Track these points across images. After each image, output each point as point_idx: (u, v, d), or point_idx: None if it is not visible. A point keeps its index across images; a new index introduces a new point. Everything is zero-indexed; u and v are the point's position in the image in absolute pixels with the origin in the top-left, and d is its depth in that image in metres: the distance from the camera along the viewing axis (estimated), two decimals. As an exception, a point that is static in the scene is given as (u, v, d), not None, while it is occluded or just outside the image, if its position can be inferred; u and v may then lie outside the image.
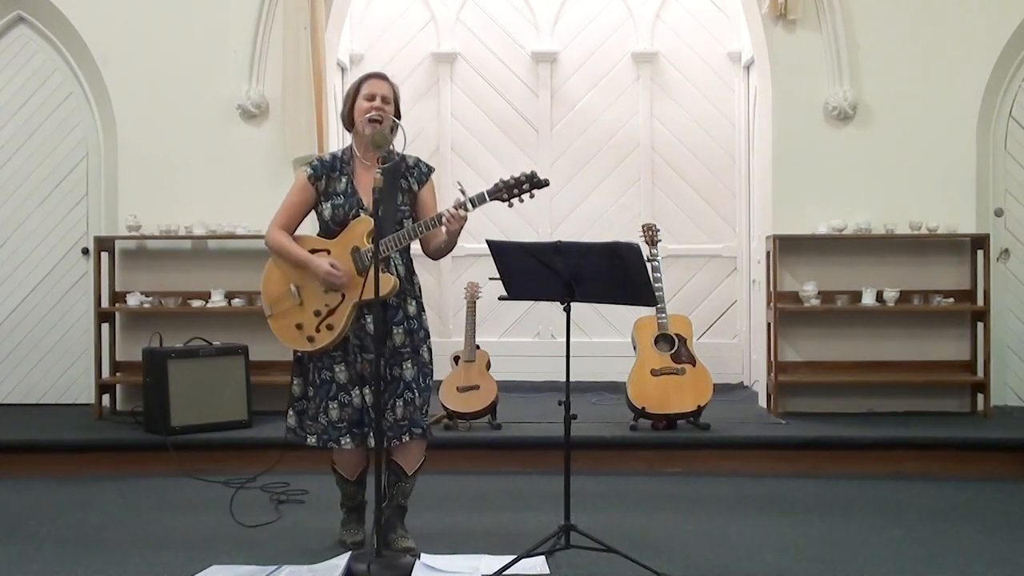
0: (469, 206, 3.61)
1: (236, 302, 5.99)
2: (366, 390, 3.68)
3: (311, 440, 3.80)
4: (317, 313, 3.69)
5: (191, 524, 4.22)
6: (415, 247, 3.82)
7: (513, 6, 7.41)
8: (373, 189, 3.51)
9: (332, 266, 3.66)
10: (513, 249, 3.73)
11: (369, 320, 3.65)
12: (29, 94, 6.40)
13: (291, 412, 3.88)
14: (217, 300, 5.97)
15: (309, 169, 3.80)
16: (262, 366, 5.83)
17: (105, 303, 6.05)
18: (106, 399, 6.03)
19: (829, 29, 5.95)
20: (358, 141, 3.81)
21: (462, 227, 3.66)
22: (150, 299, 6.01)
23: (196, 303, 5.99)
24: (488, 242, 3.73)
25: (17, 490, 4.87)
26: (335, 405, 3.73)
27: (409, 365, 3.73)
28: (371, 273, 3.52)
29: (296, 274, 3.74)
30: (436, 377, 5.14)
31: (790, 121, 6.03)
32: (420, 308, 3.83)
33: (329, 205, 3.75)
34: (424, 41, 7.39)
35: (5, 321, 6.43)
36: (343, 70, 7.04)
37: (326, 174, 3.78)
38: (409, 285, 3.79)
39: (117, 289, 6.13)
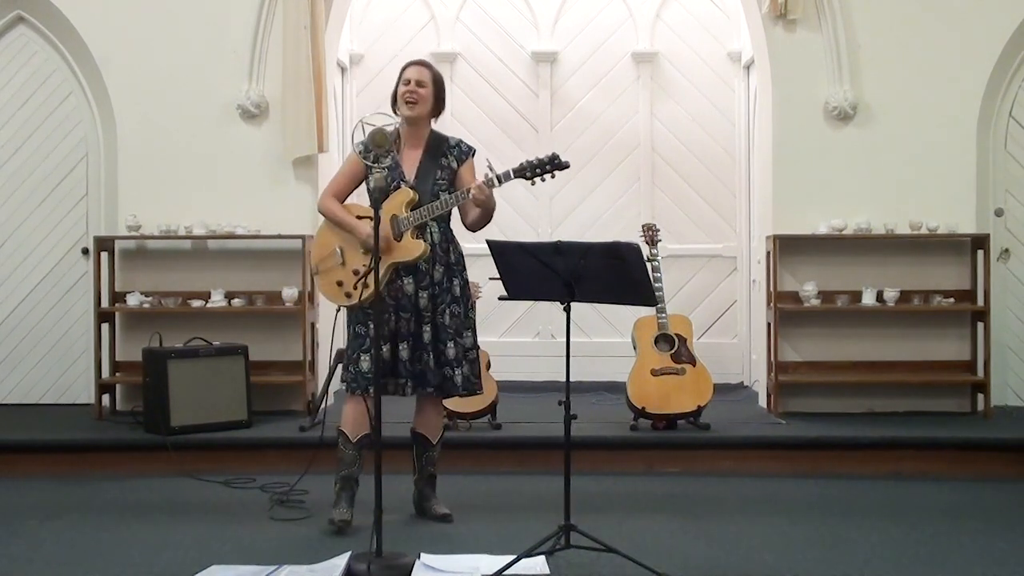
0: (496, 182, 3.95)
1: (236, 302, 5.99)
2: (402, 345, 4.04)
3: (342, 386, 4.14)
4: (356, 272, 4.05)
5: (191, 524, 4.22)
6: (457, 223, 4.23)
7: (513, 6, 7.41)
8: (373, 188, 3.70)
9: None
10: (513, 249, 3.73)
11: (406, 281, 4.05)
12: (29, 94, 6.39)
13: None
14: (217, 300, 5.97)
15: (360, 146, 4.17)
16: (262, 366, 5.83)
17: (105, 303, 6.04)
18: (106, 399, 6.02)
19: (829, 29, 5.95)
20: (402, 123, 4.19)
21: (492, 203, 4.04)
22: (150, 299, 6.00)
23: (196, 303, 5.99)
24: (488, 242, 3.75)
25: (17, 490, 4.87)
26: (366, 357, 4.01)
27: (428, 329, 4.07)
28: (405, 237, 4.00)
29: (341, 237, 4.12)
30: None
31: (790, 121, 6.03)
32: (451, 274, 4.14)
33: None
34: (424, 41, 7.37)
35: (5, 321, 6.43)
36: (343, 70, 7.05)
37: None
38: (441, 252, 4.11)
39: (117, 289, 6.13)
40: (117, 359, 6.12)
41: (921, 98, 5.98)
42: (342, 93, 6.98)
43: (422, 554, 3.68)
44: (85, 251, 6.37)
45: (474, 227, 4.16)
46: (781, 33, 6.02)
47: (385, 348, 4.00)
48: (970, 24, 5.96)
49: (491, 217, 4.12)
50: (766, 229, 6.16)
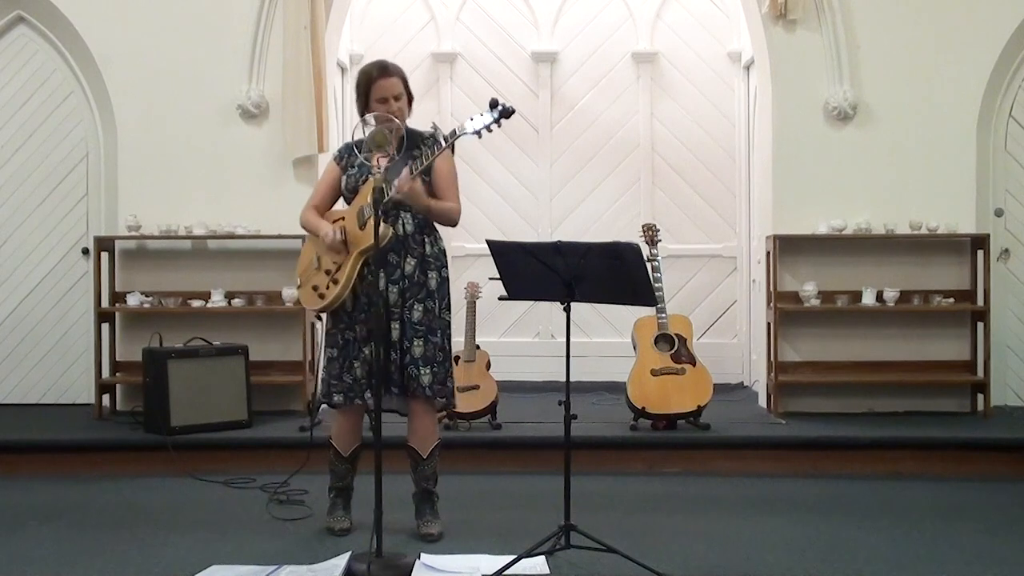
0: (411, 172, 3.77)
1: (236, 302, 5.99)
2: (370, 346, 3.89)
3: (337, 399, 3.97)
4: (328, 272, 3.96)
5: (191, 524, 4.22)
6: None
7: (513, 6, 7.41)
8: (373, 189, 3.63)
9: (334, 232, 3.90)
10: (513, 249, 3.73)
11: (380, 276, 3.84)
12: (29, 94, 6.40)
13: (320, 382, 4.08)
14: (217, 300, 5.97)
15: (336, 152, 4.17)
16: (262, 366, 5.84)
17: (105, 303, 6.04)
18: (106, 399, 6.03)
19: (829, 29, 5.95)
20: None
21: (420, 201, 3.82)
22: (150, 299, 6.01)
23: (196, 303, 5.99)
24: (488, 242, 3.74)
25: (17, 490, 4.87)
26: (359, 364, 3.92)
27: (396, 326, 3.89)
28: (369, 225, 3.72)
29: (318, 246, 4.03)
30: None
31: (790, 121, 6.03)
32: (425, 268, 3.94)
33: (345, 177, 4.05)
34: (424, 41, 7.39)
35: (5, 321, 6.43)
36: (343, 70, 7.04)
37: (348, 154, 4.08)
38: (415, 245, 3.93)
39: (117, 289, 6.13)
40: (117, 359, 6.12)
41: (921, 98, 5.98)
42: (342, 93, 6.98)
43: (422, 554, 3.69)
44: (85, 251, 6.37)
45: (436, 222, 3.96)
46: (781, 33, 6.02)
47: (367, 349, 3.86)
48: (970, 24, 5.96)
49: (440, 210, 3.89)
50: (766, 229, 6.16)
